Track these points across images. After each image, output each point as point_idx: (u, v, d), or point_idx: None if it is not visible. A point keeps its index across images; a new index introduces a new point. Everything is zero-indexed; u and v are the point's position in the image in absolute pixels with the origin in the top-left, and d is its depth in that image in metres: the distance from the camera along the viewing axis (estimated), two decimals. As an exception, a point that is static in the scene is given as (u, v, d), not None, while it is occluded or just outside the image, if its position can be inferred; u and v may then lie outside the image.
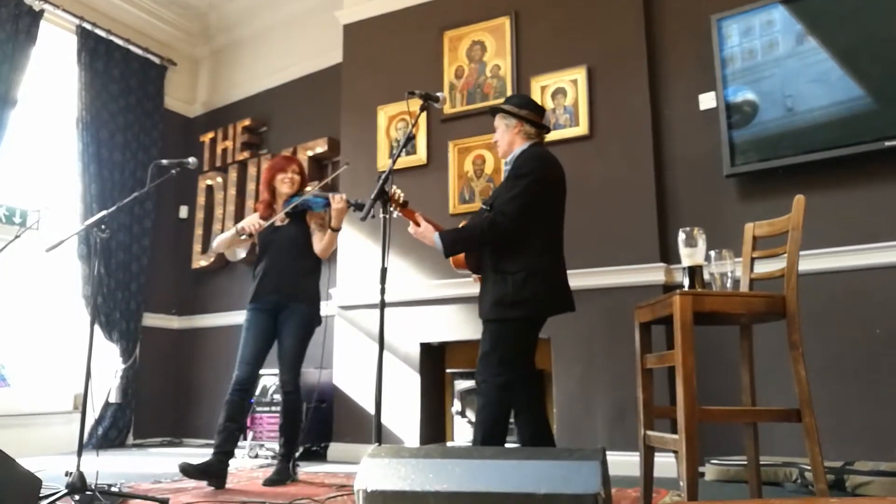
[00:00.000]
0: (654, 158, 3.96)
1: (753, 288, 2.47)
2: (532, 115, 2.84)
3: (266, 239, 3.62)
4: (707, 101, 3.91)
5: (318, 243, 3.58)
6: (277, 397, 4.64)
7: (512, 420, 2.66)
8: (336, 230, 3.48)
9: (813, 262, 3.34)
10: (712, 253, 2.31)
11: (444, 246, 2.67)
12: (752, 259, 2.50)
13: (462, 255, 2.83)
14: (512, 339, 2.60)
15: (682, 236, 2.29)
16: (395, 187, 2.79)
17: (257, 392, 4.79)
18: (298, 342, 3.48)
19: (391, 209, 2.77)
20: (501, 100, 3.36)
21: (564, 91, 4.24)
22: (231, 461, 3.48)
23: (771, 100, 3.61)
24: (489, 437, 2.50)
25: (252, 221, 3.54)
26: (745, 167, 3.65)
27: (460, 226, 2.86)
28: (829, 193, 3.46)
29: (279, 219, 3.55)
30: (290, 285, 3.52)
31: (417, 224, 2.83)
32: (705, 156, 3.86)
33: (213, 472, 3.33)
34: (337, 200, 3.41)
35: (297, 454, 3.64)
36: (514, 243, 2.65)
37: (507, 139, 2.85)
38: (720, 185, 3.79)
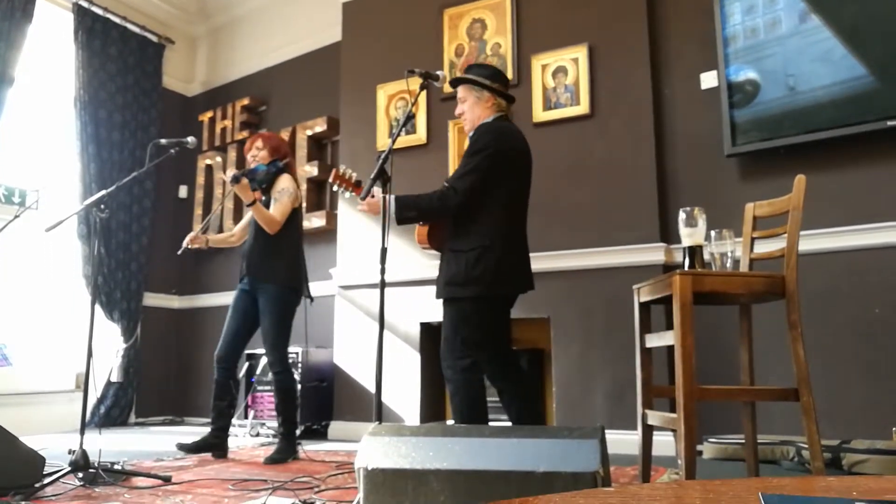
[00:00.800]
0: (654, 138, 3.94)
1: (753, 268, 2.47)
2: (503, 88, 2.74)
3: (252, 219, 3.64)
4: (709, 80, 3.88)
5: None
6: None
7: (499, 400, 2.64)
8: (248, 205, 3.39)
9: (813, 242, 3.34)
10: (712, 233, 2.30)
11: (395, 209, 2.55)
12: (753, 239, 2.50)
13: (426, 234, 2.74)
14: (471, 320, 2.54)
15: (682, 216, 2.28)
16: (343, 166, 2.73)
17: (258, 371, 4.81)
18: (274, 323, 3.47)
19: (341, 190, 2.70)
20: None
21: (565, 70, 4.22)
22: (229, 434, 3.62)
23: (773, 79, 3.58)
24: (468, 422, 2.48)
25: (189, 236, 3.60)
26: (746, 147, 3.64)
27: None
28: (830, 173, 3.45)
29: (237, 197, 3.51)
30: (256, 265, 3.52)
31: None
32: (706, 135, 3.85)
33: (210, 447, 3.51)
34: (227, 177, 3.36)
35: (298, 432, 3.69)
36: (468, 221, 2.58)
37: (477, 112, 2.72)
38: (721, 165, 3.78)
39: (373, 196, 2.58)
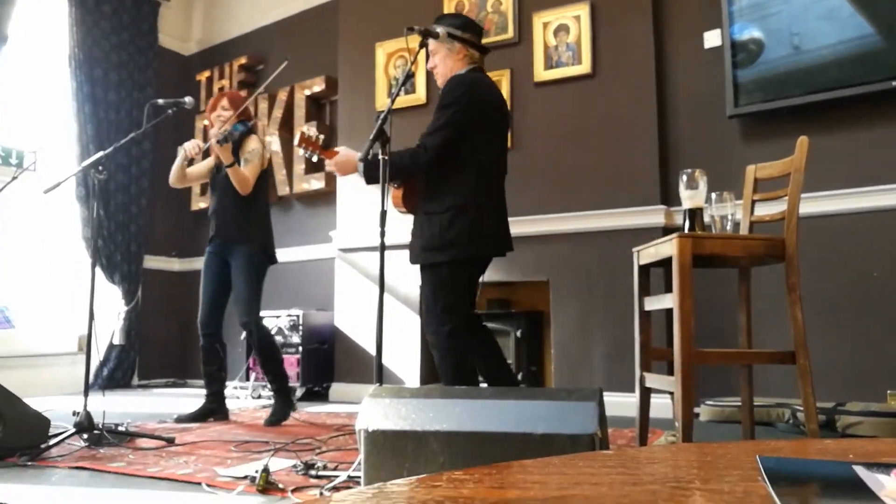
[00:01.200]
0: (656, 98, 3.90)
1: (753, 231, 2.47)
2: (475, 38, 2.63)
3: (212, 181, 3.62)
4: (712, 38, 3.82)
5: None
6: (279, 339, 4.72)
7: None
8: (227, 166, 3.33)
9: (814, 204, 3.33)
10: (713, 195, 2.29)
11: (364, 168, 2.50)
12: (753, 201, 2.48)
13: (400, 196, 2.66)
14: (450, 285, 2.49)
15: (683, 178, 2.26)
16: (306, 127, 2.65)
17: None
18: (246, 283, 3.44)
19: (307, 153, 2.62)
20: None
21: (567, 28, 4.15)
22: (226, 397, 3.66)
23: (777, 37, 3.53)
24: (457, 383, 2.45)
25: (191, 144, 3.41)
26: (749, 107, 3.60)
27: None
28: (833, 135, 3.42)
29: (213, 150, 3.42)
30: (227, 226, 3.50)
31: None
32: (709, 95, 3.80)
33: (208, 413, 3.54)
34: (210, 136, 3.29)
35: (299, 394, 3.72)
36: (440, 180, 2.50)
37: (449, 65, 2.62)
38: (723, 126, 3.74)
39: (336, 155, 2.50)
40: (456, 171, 2.50)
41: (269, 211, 3.67)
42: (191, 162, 3.54)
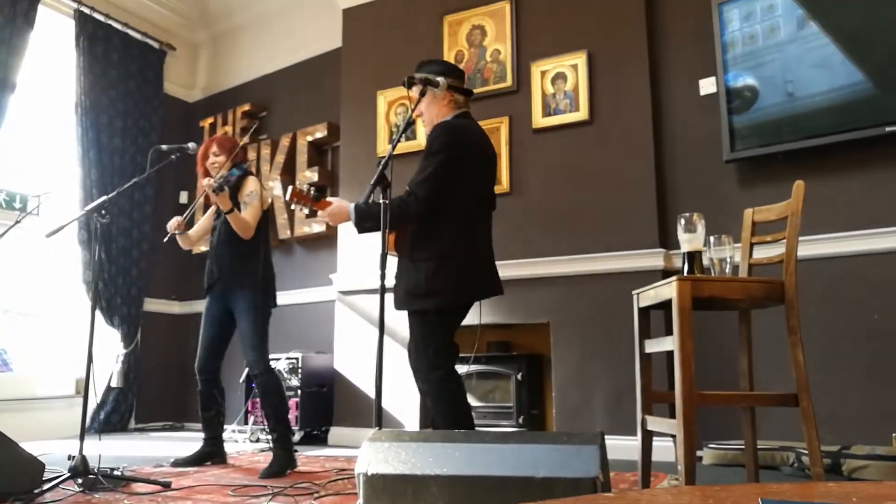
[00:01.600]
0: (654, 143, 3.96)
1: (752, 273, 2.48)
2: (457, 83, 2.65)
3: (213, 225, 3.61)
4: (707, 86, 3.90)
5: None
6: (278, 382, 4.69)
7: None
8: (227, 212, 3.30)
9: (812, 247, 3.35)
10: (711, 238, 2.30)
11: (356, 218, 2.51)
12: (752, 244, 2.50)
13: (392, 240, 2.65)
14: (439, 331, 2.49)
15: (681, 222, 2.28)
16: (300, 182, 2.64)
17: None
18: (251, 325, 3.37)
19: (299, 208, 2.60)
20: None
21: (565, 76, 4.23)
22: (223, 440, 3.62)
23: (772, 85, 3.60)
24: (454, 426, 2.42)
25: (173, 224, 3.47)
26: (745, 152, 3.65)
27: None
28: (828, 179, 3.46)
29: (211, 198, 3.36)
30: (225, 271, 3.47)
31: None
32: (705, 141, 3.86)
33: (206, 456, 3.50)
34: (205, 186, 3.23)
35: (296, 439, 3.64)
36: (427, 229, 2.51)
37: (435, 111, 2.63)
38: (720, 171, 3.79)
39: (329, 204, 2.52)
40: (441, 217, 2.51)
41: (270, 253, 3.63)
42: (190, 222, 3.51)
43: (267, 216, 3.61)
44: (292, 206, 2.62)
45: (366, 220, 2.47)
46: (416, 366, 2.52)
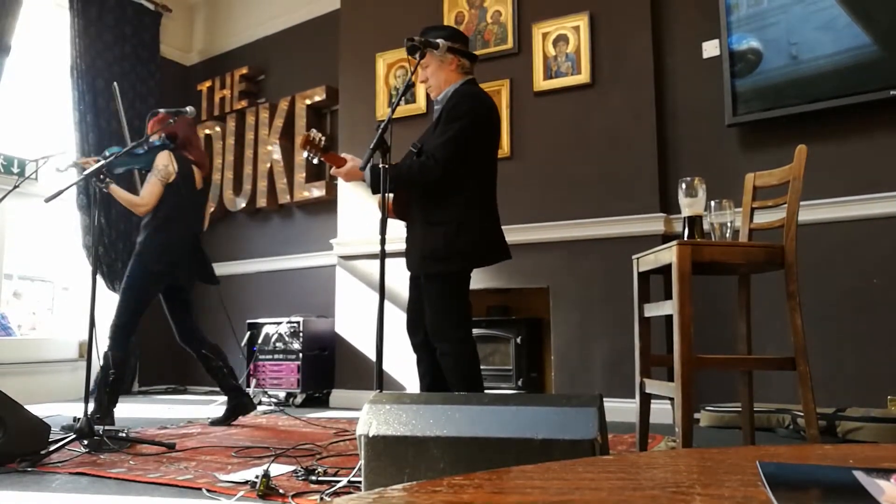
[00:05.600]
0: (655, 107, 3.92)
1: (753, 238, 2.48)
2: (464, 47, 2.66)
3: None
4: (711, 48, 3.85)
5: None
6: (280, 345, 4.76)
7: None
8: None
9: (813, 212, 3.34)
10: (712, 203, 2.30)
11: (371, 180, 2.53)
12: (752, 209, 2.49)
13: (390, 203, 2.65)
14: (460, 293, 2.56)
15: (682, 186, 2.28)
16: (313, 130, 2.63)
17: (259, 340, 4.88)
18: (120, 294, 3.43)
19: (310, 156, 2.60)
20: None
21: (566, 38, 4.17)
22: (244, 390, 3.76)
23: (776, 47, 3.55)
24: (472, 390, 2.46)
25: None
26: (747, 116, 3.62)
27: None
28: (831, 143, 3.44)
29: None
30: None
31: (341, 165, 2.65)
32: (707, 105, 3.82)
33: (234, 411, 3.62)
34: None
35: (300, 400, 3.69)
36: (445, 192, 2.53)
37: (443, 76, 2.64)
38: (722, 135, 3.76)
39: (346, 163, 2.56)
40: (460, 183, 2.53)
41: (174, 227, 3.52)
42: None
43: (174, 189, 3.49)
44: (304, 154, 2.61)
45: (385, 181, 2.44)
46: (437, 327, 2.54)
